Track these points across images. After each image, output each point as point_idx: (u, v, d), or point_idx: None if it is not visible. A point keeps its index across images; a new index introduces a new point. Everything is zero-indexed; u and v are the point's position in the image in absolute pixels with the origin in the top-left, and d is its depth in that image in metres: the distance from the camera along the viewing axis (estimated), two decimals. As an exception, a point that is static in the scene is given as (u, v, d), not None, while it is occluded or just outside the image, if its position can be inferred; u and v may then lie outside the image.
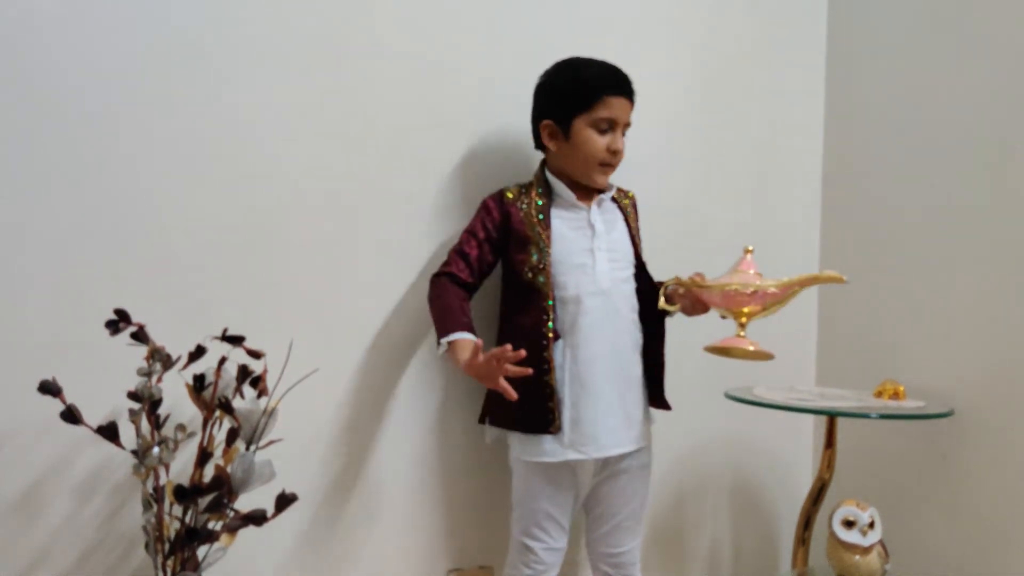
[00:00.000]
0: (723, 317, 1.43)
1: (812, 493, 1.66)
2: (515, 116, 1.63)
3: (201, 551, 1.20)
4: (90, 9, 1.31)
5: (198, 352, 1.23)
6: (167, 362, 1.19)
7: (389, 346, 1.55)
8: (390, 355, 1.55)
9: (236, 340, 1.24)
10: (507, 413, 1.44)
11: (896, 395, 1.61)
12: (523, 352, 1.28)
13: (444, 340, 1.37)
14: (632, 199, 1.60)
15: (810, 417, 1.99)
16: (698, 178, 1.89)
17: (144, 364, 1.19)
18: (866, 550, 1.52)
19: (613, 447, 1.43)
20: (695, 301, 1.46)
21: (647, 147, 1.78)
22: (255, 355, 1.26)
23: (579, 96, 1.45)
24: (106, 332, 1.17)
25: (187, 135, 1.38)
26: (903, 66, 1.84)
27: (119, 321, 1.18)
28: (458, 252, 1.47)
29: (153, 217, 1.35)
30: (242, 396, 1.27)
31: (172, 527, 1.20)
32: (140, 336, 1.19)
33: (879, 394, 1.63)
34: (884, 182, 1.87)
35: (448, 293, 1.44)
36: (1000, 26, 1.61)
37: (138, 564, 1.33)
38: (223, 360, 1.24)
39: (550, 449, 1.41)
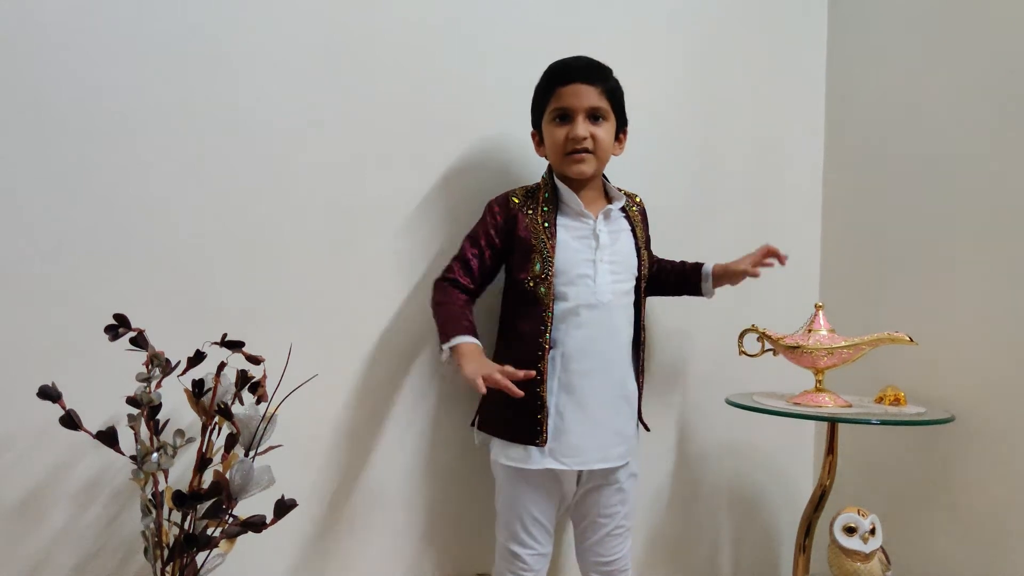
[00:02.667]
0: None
1: (813, 500, 1.65)
2: (516, 119, 1.63)
3: (200, 557, 1.20)
4: (96, 14, 1.31)
5: (197, 357, 1.23)
6: (166, 367, 1.19)
7: (389, 352, 1.54)
8: (390, 361, 1.55)
9: (235, 345, 1.24)
10: (496, 420, 1.45)
11: (897, 401, 1.61)
12: (533, 373, 1.31)
13: (446, 346, 1.37)
14: (640, 205, 1.59)
15: (811, 423, 1.98)
16: (698, 180, 1.89)
17: (143, 369, 1.19)
18: (867, 557, 1.51)
19: (597, 461, 1.42)
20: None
21: (647, 148, 1.79)
22: (254, 360, 1.26)
23: (538, 98, 1.49)
24: (105, 337, 1.17)
25: (186, 141, 1.38)
26: (903, 68, 1.84)
27: (118, 326, 1.18)
28: (459, 259, 1.47)
29: (153, 222, 1.36)
30: (241, 402, 1.27)
31: (171, 533, 1.20)
32: (139, 341, 1.19)
33: (880, 400, 1.63)
34: (884, 186, 1.87)
35: (450, 298, 1.44)
36: (1000, 28, 1.61)
37: (137, 570, 1.33)
38: (222, 365, 1.24)
39: (529, 456, 1.40)
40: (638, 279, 1.50)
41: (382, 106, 1.54)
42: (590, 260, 1.43)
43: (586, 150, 1.43)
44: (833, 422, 1.61)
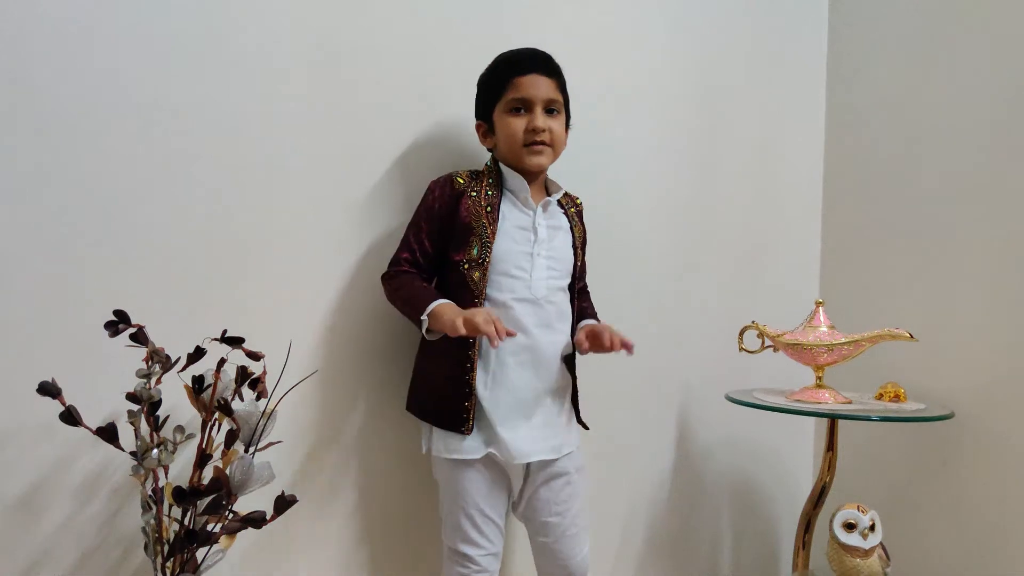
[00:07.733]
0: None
1: (813, 496, 1.66)
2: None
3: (200, 553, 1.20)
4: (89, 12, 1.31)
5: (197, 353, 1.23)
6: (166, 363, 1.19)
7: (389, 348, 1.54)
8: (390, 357, 1.55)
9: (235, 341, 1.24)
10: (425, 406, 1.43)
11: (897, 397, 1.61)
12: (515, 332, 1.30)
13: (423, 316, 1.33)
14: (579, 207, 1.57)
15: (811, 420, 1.98)
16: (698, 180, 1.89)
17: (143, 365, 1.19)
18: (867, 553, 1.52)
19: (529, 454, 1.38)
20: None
21: (647, 148, 1.79)
22: (254, 357, 1.25)
23: (491, 87, 1.45)
24: (105, 333, 1.17)
25: (186, 136, 1.38)
26: (903, 69, 1.84)
27: (118, 322, 1.18)
28: (405, 248, 1.43)
29: (152, 218, 1.35)
30: (241, 398, 1.27)
31: (171, 529, 1.20)
32: (139, 337, 1.19)
33: (880, 396, 1.63)
34: (884, 185, 1.87)
35: (408, 281, 1.40)
36: (999, 29, 1.61)
37: (137, 566, 1.33)
38: (222, 361, 1.24)
39: (470, 446, 1.37)
40: (572, 277, 1.49)
41: (381, 103, 1.54)
42: (528, 253, 1.42)
43: (544, 143, 1.41)
44: (833, 418, 1.61)
